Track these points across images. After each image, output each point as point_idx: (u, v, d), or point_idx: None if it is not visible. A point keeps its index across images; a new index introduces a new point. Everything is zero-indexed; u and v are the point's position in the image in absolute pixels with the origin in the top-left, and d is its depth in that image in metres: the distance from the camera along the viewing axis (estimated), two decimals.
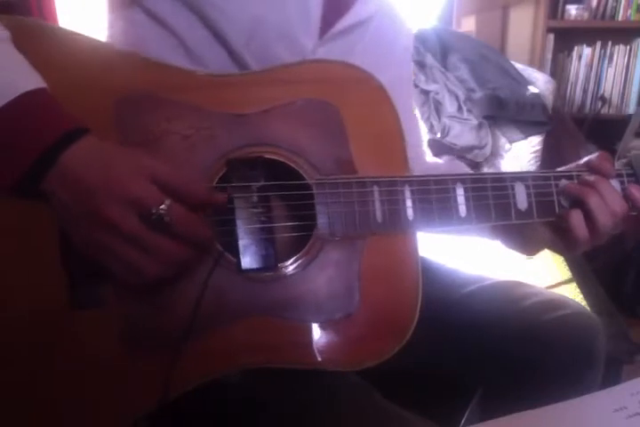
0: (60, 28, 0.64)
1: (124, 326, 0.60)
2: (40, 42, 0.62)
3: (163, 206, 0.54)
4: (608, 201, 0.68)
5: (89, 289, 0.59)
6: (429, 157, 0.97)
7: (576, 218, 0.69)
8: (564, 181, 0.71)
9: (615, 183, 0.72)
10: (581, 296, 1.47)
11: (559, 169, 0.74)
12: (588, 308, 1.27)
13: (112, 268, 0.56)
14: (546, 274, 1.62)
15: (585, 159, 0.73)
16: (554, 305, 0.80)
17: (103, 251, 0.55)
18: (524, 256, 0.82)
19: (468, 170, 0.93)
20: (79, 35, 0.64)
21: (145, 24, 0.73)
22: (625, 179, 0.72)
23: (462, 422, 0.78)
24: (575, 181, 0.71)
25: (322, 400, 0.64)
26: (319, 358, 0.64)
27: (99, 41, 0.68)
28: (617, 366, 1.34)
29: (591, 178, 0.70)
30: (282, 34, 0.73)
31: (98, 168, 0.55)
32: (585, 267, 1.70)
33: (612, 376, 1.11)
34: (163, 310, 0.61)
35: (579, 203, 0.69)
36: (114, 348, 0.60)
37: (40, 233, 0.59)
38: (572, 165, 0.74)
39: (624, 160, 0.75)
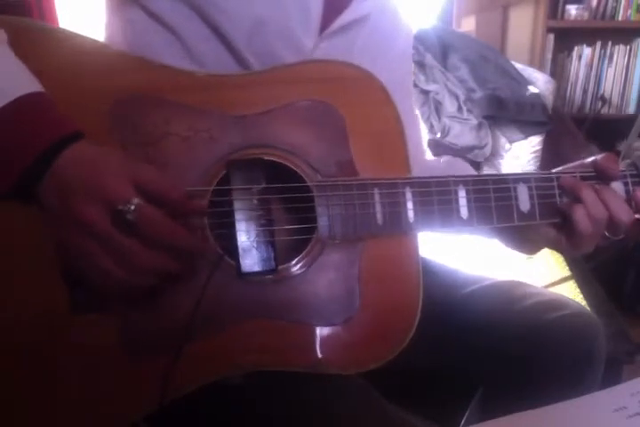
0: (58, 29, 0.64)
1: (124, 328, 0.60)
2: (37, 43, 0.62)
3: (130, 205, 0.53)
4: (609, 206, 0.67)
5: (88, 292, 0.59)
6: (429, 157, 0.97)
7: (579, 212, 0.67)
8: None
9: (619, 184, 0.71)
10: (581, 296, 1.47)
11: (562, 168, 0.73)
12: (588, 308, 1.27)
13: (86, 271, 0.55)
14: (546, 273, 1.62)
15: (590, 159, 0.72)
16: (554, 305, 0.80)
17: (79, 253, 0.54)
18: (524, 256, 0.81)
19: (469, 167, 0.92)
20: (77, 36, 0.64)
21: (144, 23, 0.73)
22: (629, 180, 0.71)
23: (462, 422, 0.78)
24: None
25: (322, 401, 0.64)
26: (320, 361, 0.64)
27: (97, 42, 0.68)
28: (617, 366, 1.34)
29: (593, 187, 0.69)
30: (283, 32, 0.73)
31: (83, 171, 0.54)
32: (585, 266, 1.70)
33: (612, 376, 1.11)
34: (162, 313, 0.61)
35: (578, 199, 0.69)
36: (113, 350, 0.60)
37: (38, 237, 0.58)
38: (575, 164, 0.73)
39: (628, 161, 0.74)
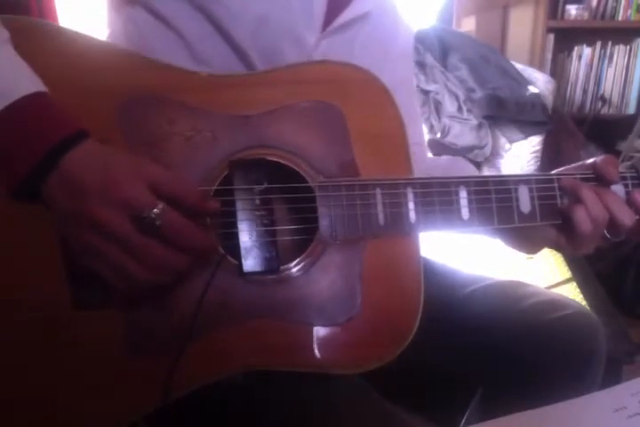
0: (62, 28, 0.64)
1: (127, 326, 0.60)
2: (41, 42, 0.62)
3: (155, 210, 0.53)
4: (609, 207, 0.67)
5: (91, 290, 0.59)
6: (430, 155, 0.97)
7: (580, 213, 0.67)
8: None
9: (619, 187, 0.71)
10: (581, 296, 1.47)
11: (562, 170, 0.73)
12: (588, 308, 1.27)
13: (102, 271, 0.55)
14: (546, 273, 1.62)
15: (590, 161, 0.72)
16: (554, 305, 0.80)
17: (94, 253, 0.55)
18: (524, 255, 0.81)
19: (471, 166, 0.92)
20: (81, 34, 0.64)
21: (147, 22, 0.73)
22: (629, 182, 0.71)
23: (462, 422, 0.78)
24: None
25: (322, 401, 0.64)
26: (321, 361, 0.64)
27: (101, 41, 0.68)
28: (617, 366, 1.34)
29: (594, 188, 0.68)
30: (286, 29, 0.73)
31: (95, 171, 0.54)
32: (585, 267, 1.70)
33: (612, 376, 1.11)
34: (165, 312, 0.61)
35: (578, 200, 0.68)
36: (116, 348, 0.60)
37: (42, 234, 0.59)
38: (576, 165, 0.73)
39: (628, 163, 0.74)
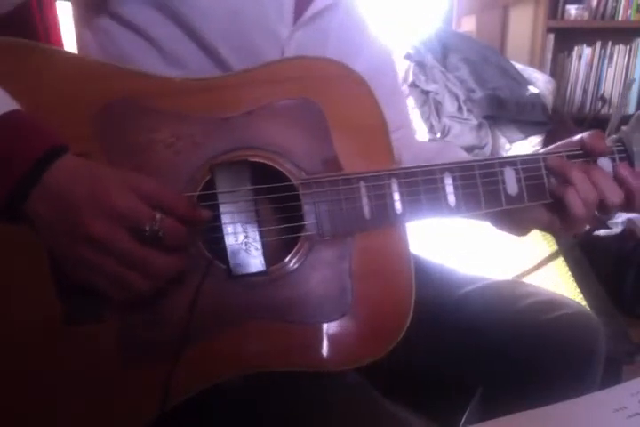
0: (34, 44, 0.62)
1: (121, 338, 0.60)
2: (14, 59, 0.61)
3: (155, 222, 0.53)
4: (598, 186, 0.67)
5: (82, 305, 0.59)
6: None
7: (571, 195, 0.67)
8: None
9: (606, 161, 0.70)
10: (581, 296, 1.47)
11: (549, 148, 0.72)
12: (588, 308, 1.27)
13: (97, 283, 0.55)
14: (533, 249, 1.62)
15: (577, 137, 0.71)
16: (553, 305, 0.80)
17: (89, 267, 0.54)
18: (515, 237, 0.80)
19: (459, 150, 0.91)
20: (53, 49, 0.63)
21: (114, 29, 0.72)
22: (616, 155, 0.71)
23: (462, 422, 0.78)
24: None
25: (321, 400, 0.64)
26: (317, 359, 0.64)
27: (72, 53, 0.67)
28: (617, 366, 1.33)
29: (582, 168, 0.68)
30: (258, 22, 0.73)
31: (82, 184, 0.54)
32: (585, 267, 1.70)
33: (612, 376, 1.11)
34: (158, 320, 0.61)
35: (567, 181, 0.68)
36: (111, 360, 0.60)
37: (31, 250, 0.58)
38: (562, 143, 0.73)
39: (614, 137, 0.73)
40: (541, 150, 0.73)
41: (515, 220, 0.75)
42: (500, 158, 0.69)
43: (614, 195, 0.67)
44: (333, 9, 0.78)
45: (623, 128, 0.74)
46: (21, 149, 0.54)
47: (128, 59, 0.72)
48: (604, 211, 0.69)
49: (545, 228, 0.74)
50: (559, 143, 0.73)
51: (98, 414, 0.60)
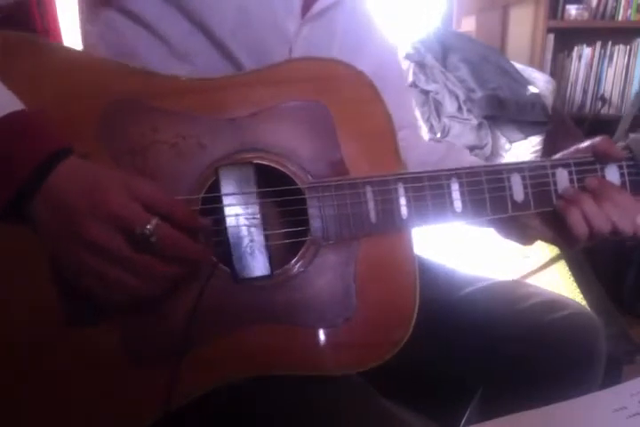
0: (40, 41, 0.62)
1: (123, 340, 0.59)
2: (20, 56, 0.60)
3: (149, 226, 0.53)
4: (614, 207, 0.67)
5: (83, 306, 0.58)
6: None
7: (574, 217, 0.67)
8: (560, 170, 0.70)
9: (614, 168, 0.70)
10: (581, 296, 1.47)
11: (558, 156, 0.72)
12: (588, 308, 1.27)
13: (99, 289, 0.55)
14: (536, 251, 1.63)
15: (585, 144, 0.71)
16: (554, 305, 0.80)
17: (91, 273, 0.54)
18: (520, 246, 0.80)
19: (466, 153, 0.91)
20: (60, 46, 0.63)
21: (123, 25, 0.72)
22: (624, 163, 0.71)
23: (462, 422, 0.78)
24: (572, 169, 0.69)
25: (322, 400, 0.64)
26: (319, 363, 0.64)
27: (80, 52, 0.66)
28: (617, 366, 1.33)
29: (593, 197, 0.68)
30: (266, 19, 0.73)
31: (81, 188, 0.54)
32: (585, 267, 1.70)
33: (612, 376, 1.11)
34: (161, 323, 0.60)
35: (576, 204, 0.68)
36: (113, 362, 0.59)
37: (33, 251, 0.57)
38: (570, 150, 0.72)
39: (622, 144, 0.73)
40: (554, 156, 0.72)
41: (519, 228, 0.75)
42: (506, 164, 0.69)
43: (627, 225, 0.68)
44: (340, 5, 0.78)
45: (631, 135, 0.73)
46: (24, 152, 0.54)
47: (135, 55, 0.71)
48: (615, 236, 0.69)
49: (549, 242, 0.75)
50: (567, 151, 0.73)
51: (99, 417, 0.60)
